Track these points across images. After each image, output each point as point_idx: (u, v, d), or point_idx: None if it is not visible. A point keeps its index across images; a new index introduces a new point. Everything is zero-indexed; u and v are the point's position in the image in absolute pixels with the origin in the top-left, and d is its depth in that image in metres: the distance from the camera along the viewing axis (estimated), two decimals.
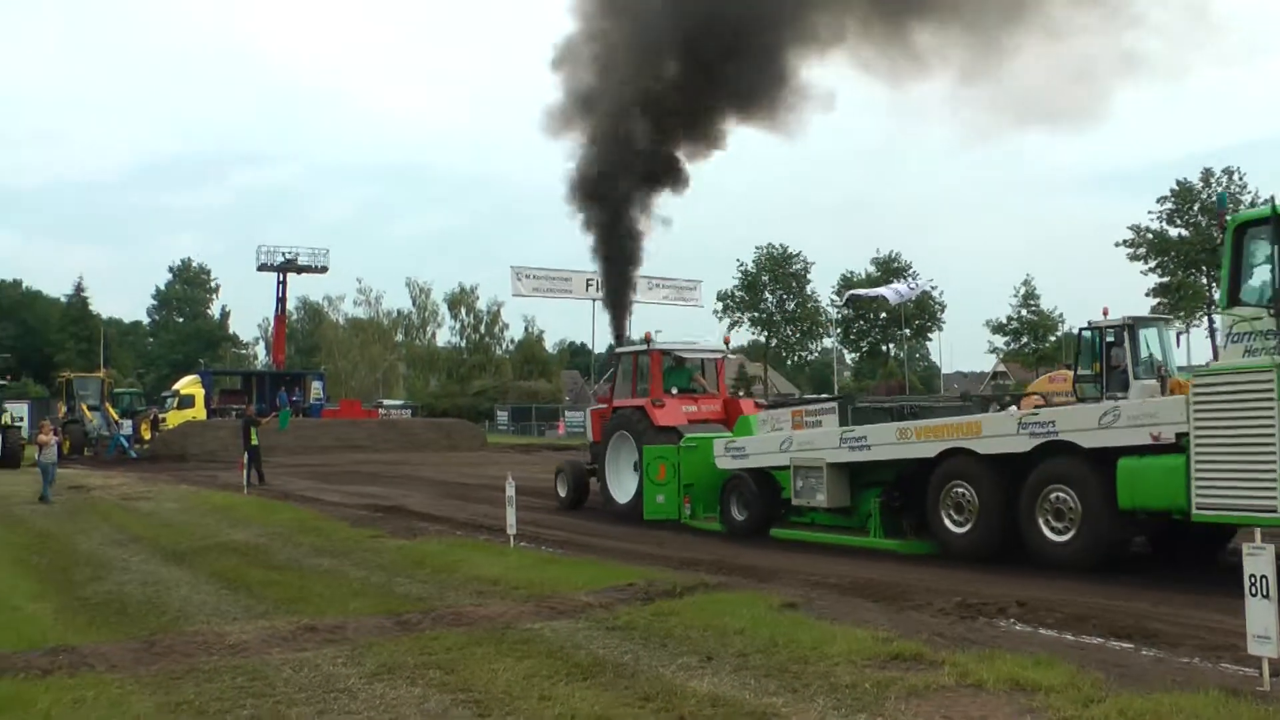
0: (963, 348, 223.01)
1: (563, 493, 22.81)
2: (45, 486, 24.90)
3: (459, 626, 9.55)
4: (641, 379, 22.50)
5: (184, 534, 17.73)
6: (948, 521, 14.12)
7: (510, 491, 15.18)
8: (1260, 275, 11.52)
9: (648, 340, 22.69)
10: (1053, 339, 74.46)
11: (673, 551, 14.72)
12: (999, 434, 13.51)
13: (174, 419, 54.84)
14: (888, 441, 14.91)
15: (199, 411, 55.83)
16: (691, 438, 19.25)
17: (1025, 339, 73.88)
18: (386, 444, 49.01)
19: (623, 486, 21.02)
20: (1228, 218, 12.26)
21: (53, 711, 6.90)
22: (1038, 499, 12.96)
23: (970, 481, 13.83)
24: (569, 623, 9.63)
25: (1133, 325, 24.52)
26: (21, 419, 49.92)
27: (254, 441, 29.42)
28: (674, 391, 21.82)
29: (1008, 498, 13.31)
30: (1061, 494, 12.73)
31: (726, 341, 27.49)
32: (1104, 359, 24.55)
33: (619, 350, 24.89)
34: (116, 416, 52.30)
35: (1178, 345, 27.01)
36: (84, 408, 51.96)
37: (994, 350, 76.97)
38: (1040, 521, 12.91)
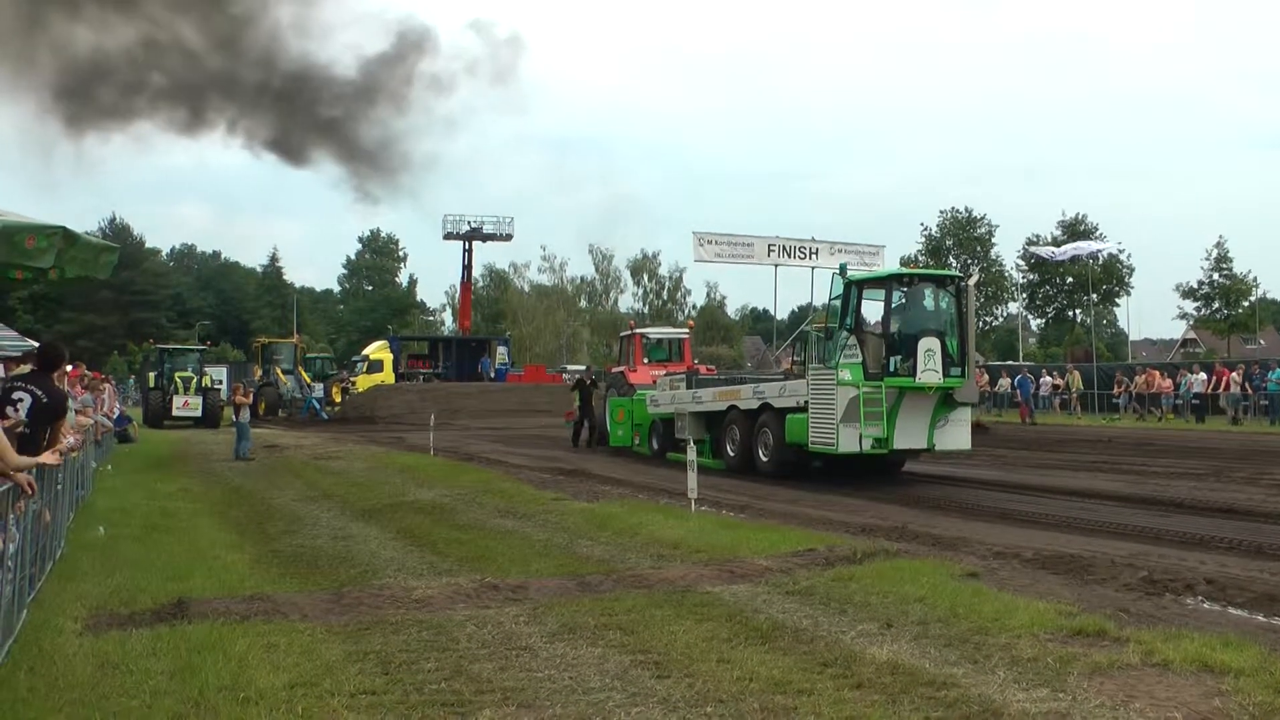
0: (1151, 314, 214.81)
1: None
2: (241, 444, 25.92)
3: (639, 589, 9.57)
4: (630, 354, 31.26)
5: (372, 492, 18.27)
6: (729, 447, 22.08)
7: (691, 456, 15.19)
8: (850, 314, 18.76)
9: (631, 328, 32.93)
10: (1245, 304, 70.25)
11: (852, 517, 14.56)
12: (746, 397, 21.45)
13: (363, 383, 56.52)
14: (710, 399, 22.87)
15: (387, 376, 57.39)
16: (640, 392, 26.67)
17: (1216, 304, 69.47)
18: (570, 408, 49.51)
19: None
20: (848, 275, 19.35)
21: (248, 655, 7.11)
22: (757, 435, 21.05)
23: (737, 425, 21.75)
24: (748, 587, 9.57)
25: None
26: (220, 382, 52.12)
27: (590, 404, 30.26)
28: (645, 361, 30.47)
29: (751, 435, 21.19)
30: (765, 432, 20.76)
31: (690, 326, 39.48)
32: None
33: (621, 334, 34.80)
34: (309, 380, 54.28)
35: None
36: (278, 371, 53.93)
37: (1184, 316, 72.78)
38: (758, 449, 21.03)
